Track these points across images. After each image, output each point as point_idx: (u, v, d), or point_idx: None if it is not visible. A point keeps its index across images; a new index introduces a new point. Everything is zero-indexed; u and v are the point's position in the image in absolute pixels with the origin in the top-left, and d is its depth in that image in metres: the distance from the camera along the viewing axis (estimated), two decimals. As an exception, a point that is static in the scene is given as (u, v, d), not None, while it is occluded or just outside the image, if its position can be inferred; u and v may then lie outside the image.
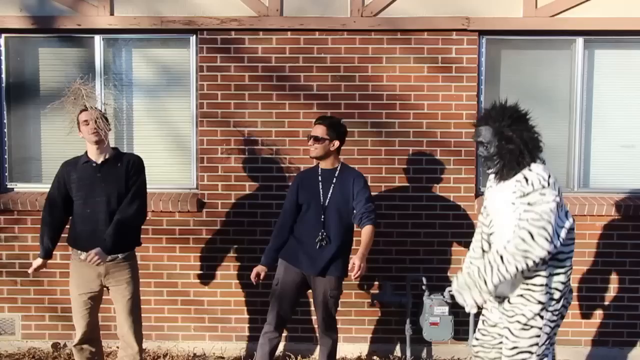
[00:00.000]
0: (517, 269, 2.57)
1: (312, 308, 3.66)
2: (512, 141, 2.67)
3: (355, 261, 3.18)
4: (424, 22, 4.04)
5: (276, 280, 3.41)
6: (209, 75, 4.11)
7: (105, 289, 3.28)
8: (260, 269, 3.45)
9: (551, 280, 2.70)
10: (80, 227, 3.20)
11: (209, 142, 4.15)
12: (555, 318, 2.73)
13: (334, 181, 3.38)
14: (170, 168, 4.31)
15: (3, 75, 4.23)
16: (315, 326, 4.20)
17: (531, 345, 2.68)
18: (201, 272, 4.20)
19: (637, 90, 4.25)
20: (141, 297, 4.16)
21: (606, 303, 4.17)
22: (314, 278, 3.35)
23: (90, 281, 3.21)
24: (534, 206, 2.59)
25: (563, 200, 2.75)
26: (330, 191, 3.36)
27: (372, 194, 4.10)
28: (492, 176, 2.90)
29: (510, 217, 2.70)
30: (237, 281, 4.19)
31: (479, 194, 4.21)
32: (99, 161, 3.20)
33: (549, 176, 2.66)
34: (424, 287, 4.05)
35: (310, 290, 3.47)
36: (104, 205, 3.16)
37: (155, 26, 4.08)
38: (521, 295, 2.71)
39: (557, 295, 2.72)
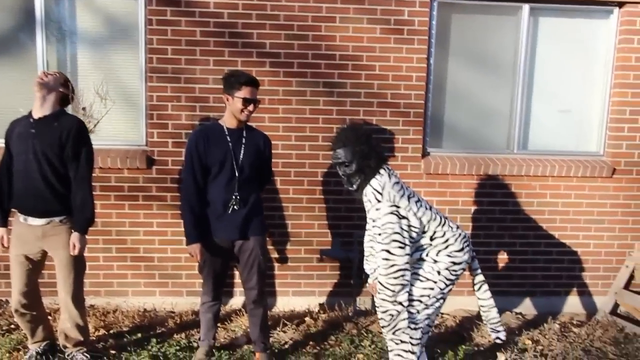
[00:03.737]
0: (399, 282, 2.87)
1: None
2: (369, 157, 2.96)
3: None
4: (377, -17, 4.06)
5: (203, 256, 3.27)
6: (159, 29, 3.99)
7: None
8: (198, 249, 3.17)
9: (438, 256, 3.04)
10: (16, 185, 3.09)
11: (159, 98, 4.06)
12: (452, 277, 3.03)
13: (243, 141, 3.21)
14: (117, 124, 4.21)
15: None
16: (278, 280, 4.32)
17: (422, 296, 2.99)
18: (151, 229, 4.20)
19: (576, 58, 4.47)
20: (90, 254, 4.15)
21: (545, 257, 4.49)
22: (241, 243, 3.24)
23: (27, 242, 3.11)
24: (376, 222, 2.93)
25: (410, 195, 2.98)
26: (242, 151, 3.19)
27: (324, 153, 4.22)
28: None
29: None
30: (188, 238, 4.22)
31: (425, 154, 4.36)
32: (37, 117, 3.05)
33: (383, 188, 2.92)
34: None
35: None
36: (35, 163, 3.02)
37: (100, -26, 3.90)
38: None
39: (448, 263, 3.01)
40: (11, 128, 3.13)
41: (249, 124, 3.31)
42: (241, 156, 3.19)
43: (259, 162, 3.27)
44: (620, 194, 4.47)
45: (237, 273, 4.24)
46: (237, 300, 4.33)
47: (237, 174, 3.17)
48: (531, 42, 4.40)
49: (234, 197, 3.17)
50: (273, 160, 4.12)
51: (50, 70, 3.12)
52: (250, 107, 3.14)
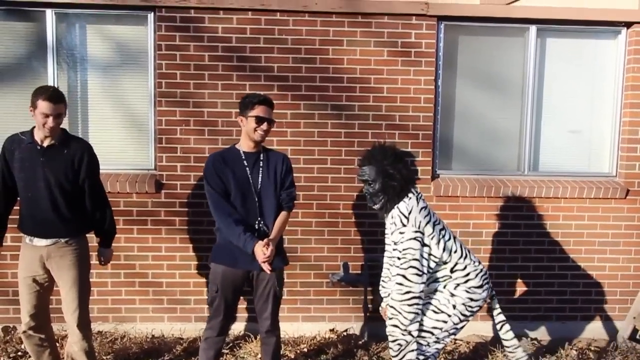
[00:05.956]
0: (413, 310, 2.80)
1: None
2: (394, 178, 2.90)
3: (271, 244, 2.99)
4: (384, 6, 4.08)
5: (215, 287, 3.08)
6: (168, 54, 4.03)
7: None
8: (260, 247, 2.94)
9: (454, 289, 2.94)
10: (24, 211, 3.08)
11: (168, 122, 4.08)
12: (467, 313, 2.94)
13: (261, 165, 3.10)
14: (127, 148, 4.23)
15: (-54, 49, 4.03)
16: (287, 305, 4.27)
17: (434, 328, 2.90)
18: (160, 253, 4.17)
19: (584, 78, 4.45)
20: (98, 280, 4.13)
21: (559, 280, 4.40)
22: (258, 273, 3.09)
23: (34, 264, 3.09)
24: (398, 245, 2.86)
25: (436, 222, 2.91)
26: (260, 175, 3.08)
27: (333, 175, 4.20)
28: None
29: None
30: (196, 262, 4.19)
31: (435, 176, 4.32)
32: (45, 144, 3.04)
33: (410, 212, 2.85)
34: (381, 267, 4.17)
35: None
36: (45, 191, 3.01)
37: (111, 1, 3.96)
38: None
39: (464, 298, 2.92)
40: (9, 148, 3.07)
41: (267, 146, 3.23)
42: (260, 180, 3.09)
43: (278, 183, 3.13)
44: (635, 215, 4.39)
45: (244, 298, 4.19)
46: (244, 326, 4.26)
47: (256, 199, 3.05)
48: (539, 63, 4.39)
49: (257, 222, 3.05)
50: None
51: (59, 111, 2.98)
52: (264, 126, 3.03)
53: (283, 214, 3.16)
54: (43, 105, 2.92)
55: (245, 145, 3.11)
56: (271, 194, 3.09)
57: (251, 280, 3.14)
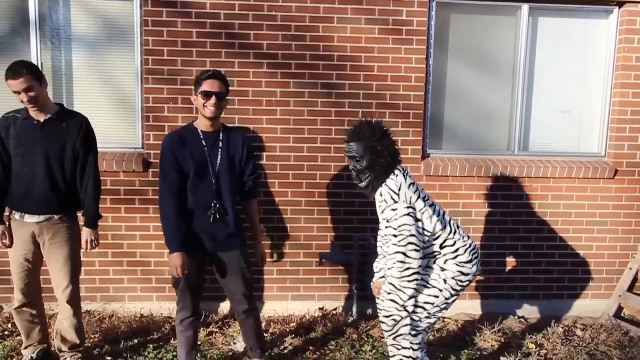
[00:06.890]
0: (413, 286, 2.80)
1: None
2: (382, 155, 2.86)
3: (263, 253, 3.19)
4: (375, -17, 4.03)
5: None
6: (155, 31, 3.95)
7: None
8: (180, 261, 2.88)
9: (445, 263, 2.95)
10: (16, 187, 3.05)
11: (155, 100, 4.02)
12: (458, 288, 2.94)
13: (220, 145, 2.98)
14: (114, 127, 4.16)
15: None
16: (276, 285, 4.27)
17: (426, 303, 2.91)
18: (148, 233, 4.13)
19: (575, 58, 4.44)
20: (86, 259, 4.10)
21: (547, 259, 4.43)
22: (219, 255, 3.03)
23: (25, 241, 3.10)
24: (391, 222, 2.82)
25: (425, 198, 2.89)
26: (220, 155, 2.96)
27: (323, 155, 4.17)
28: None
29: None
30: (186, 242, 4.16)
31: (425, 156, 4.31)
32: (41, 120, 3.02)
33: (399, 188, 2.84)
34: (370, 247, 4.18)
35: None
36: (43, 166, 3.01)
37: (96, -25, 3.87)
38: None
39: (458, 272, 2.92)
40: (4, 125, 3.04)
41: (228, 125, 3.13)
42: (218, 161, 2.97)
43: (240, 166, 3.05)
44: (623, 195, 4.42)
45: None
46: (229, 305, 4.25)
47: (213, 181, 2.95)
48: (531, 42, 4.36)
49: (213, 205, 2.95)
50: (271, 162, 4.09)
51: (22, 84, 2.90)
52: (212, 101, 2.87)
53: (254, 204, 3.12)
54: (9, 85, 2.91)
55: (202, 125, 2.99)
56: (230, 176, 2.99)
57: (212, 260, 3.07)
